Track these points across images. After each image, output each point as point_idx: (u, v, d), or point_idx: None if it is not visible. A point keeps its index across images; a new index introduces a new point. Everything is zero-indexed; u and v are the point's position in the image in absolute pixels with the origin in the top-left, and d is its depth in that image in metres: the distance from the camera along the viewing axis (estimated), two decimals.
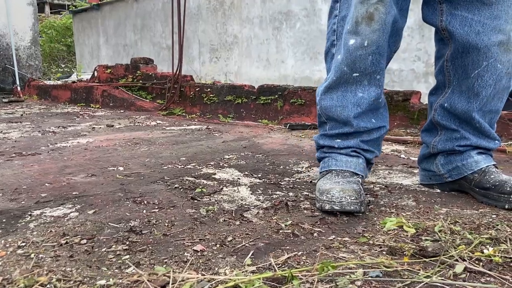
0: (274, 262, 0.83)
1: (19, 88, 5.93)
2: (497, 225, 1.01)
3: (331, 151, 1.28)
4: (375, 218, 1.08)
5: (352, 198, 1.08)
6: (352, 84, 1.22)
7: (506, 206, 1.13)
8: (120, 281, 0.76)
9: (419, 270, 0.79)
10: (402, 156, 1.88)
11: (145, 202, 1.22)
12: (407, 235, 0.96)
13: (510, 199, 1.13)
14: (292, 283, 0.74)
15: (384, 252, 0.87)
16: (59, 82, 5.93)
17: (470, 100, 1.22)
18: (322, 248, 0.89)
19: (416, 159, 1.76)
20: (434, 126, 1.34)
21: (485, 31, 1.15)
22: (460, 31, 1.18)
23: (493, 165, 1.26)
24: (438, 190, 1.33)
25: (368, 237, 0.95)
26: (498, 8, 1.14)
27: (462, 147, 1.27)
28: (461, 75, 1.23)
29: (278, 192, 1.31)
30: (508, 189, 1.14)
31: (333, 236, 0.96)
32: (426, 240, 0.92)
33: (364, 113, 1.24)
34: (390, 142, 2.23)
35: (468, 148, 1.26)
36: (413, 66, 4.94)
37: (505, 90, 1.23)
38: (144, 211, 1.15)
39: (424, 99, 2.71)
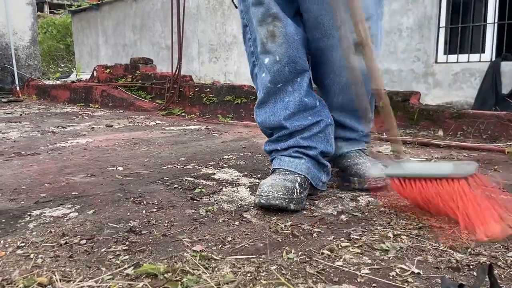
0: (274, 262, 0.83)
1: (18, 88, 5.93)
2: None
3: (276, 154, 1.34)
4: (374, 219, 1.08)
5: (280, 193, 1.12)
6: (279, 94, 1.31)
7: (351, 187, 1.33)
8: (120, 281, 0.76)
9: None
10: (401, 156, 1.88)
11: (145, 202, 1.22)
12: (404, 237, 0.96)
13: (353, 181, 1.33)
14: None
15: (385, 253, 0.88)
16: (58, 82, 5.93)
17: (332, 105, 1.41)
18: (321, 249, 0.90)
19: (416, 159, 1.77)
20: None
21: (327, 47, 1.32)
22: (311, 46, 1.36)
23: (358, 149, 1.44)
24: None
25: (366, 238, 0.95)
26: (331, 28, 1.29)
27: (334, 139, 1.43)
28: (320, 83, 1.43)
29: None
30: (352, 172, 1.34)
31: (332, 237, 0.96)
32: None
33: (296, 114, 1.30)
34: (389, 143, 2.23)
35: (337, 140, 1.43)
36: (412, 66, 4.94)
37: (366, 93, 1.38)
38: (144, 211, 1.15)
39: (424, 100, 2.71)
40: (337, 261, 0.84)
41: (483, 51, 4.56)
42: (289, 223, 1.05)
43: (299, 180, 1.20)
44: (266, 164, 1.74)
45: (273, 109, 1.32)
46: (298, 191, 1.16)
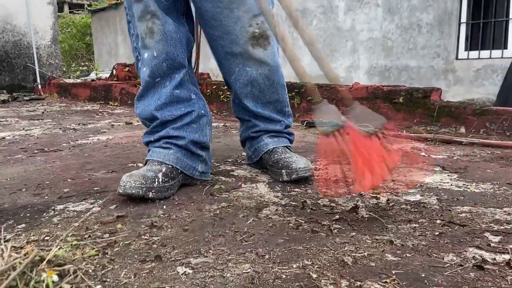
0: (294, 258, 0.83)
1: (39, 86, 6.05)
2: None
3: (151, 145, 1.39)
4: (396, 216, 1.07)
5: (137, 183, 1.17)
6: (157, 88, 1.36)
7: (280, 179, 1.38)
8: (143, 274, 0.77)
9: None
10: (423, 154, 1.86)
11: (165, 197, 1.23)
12: (427, 234, 0.95)
13: (281, 173, 1.37)
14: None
15: (407, 251, 0.87)
16: (78, 81, 6.03)
17: (244, 97, 1.47)
18: (343, 245, 0.89)
19: (437, 156, 1.74)
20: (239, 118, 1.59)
21: (227, 44, 1.38)
22: (212, 45, 1.42)
23: (284, 146, 1.49)
24: (461, 189, 1.31)
25: (389, 235, 0.94)
26: (227, 25, 1.34)
27: (255, 133, 1.52)
28: (228, 79, 1.48)
29: (296, 189, 1.31)
30: (280, 165, 1.39)
31: (354, 233, 0.96)
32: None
33: (168, 104, 1.36)
34: (410, 140, 2.20)
35: (261, 133, 1.51)
36: (432, 63, 4.86)
37: (275, 84, 1.46)
38: (164, 206, 1.16)
39: (444, 97, 2.67)
40: (360, 257, 0.84)
41: (505, 47, 4.46)
42: (309, 219, 1.05)
43: (163, 170, 1.25)
44: None
45: (149, 101, 1.37)
46: (160, 180, 1.21)
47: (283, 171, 1.37)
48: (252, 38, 1.35)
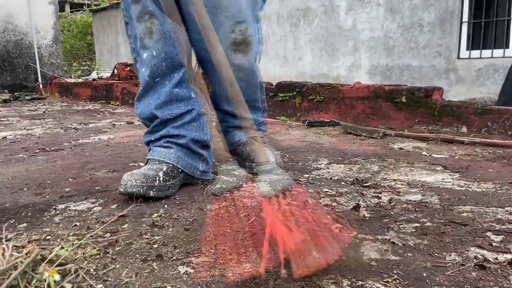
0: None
1: (41, 86, 6.06)
2: None
3: (152, 145, 1.40)
4: (397, 215, 1.07)
5: (138, 182, 1.17)
6: (156, 87, 1.37)
7: (249, 171, 1.43)
8: (144, 273, 0.77)
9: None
10: (424, 153, 1.85)
11: (166, 197, 1.23)
12: (429, 233, 0.95)
13: (251, 166, 1.43)
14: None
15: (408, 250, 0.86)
16: (79, 80, 6.03)
17: (223, 99, 1.51)
18: (345, 244, 0.89)
19: (439, 156, 1.74)
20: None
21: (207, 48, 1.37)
22: (196, 47, 1.43)
23: (252, 137, 1.50)
24: (463, 188, 1.31)
25: (390, 234, 0.94)
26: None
27: (229, 128, 1.57)
28: (210, 81, 1.51)
29: (297, 188, 1.31)
30: (250, 159, 1.44)
31: (355, 233, 0.96)
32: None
33: (167, 103, 1.36)
34: (411, 139, 2.20)
35: (234, 128, 1.55)
36: (433, 62, 4.85)
37: (251, 86, 1.51)
38: (166, 206, 1.16)
39: (446, 96, 2.66)
40: (362, 257, 0.83)
41: (507, 46, 4.45)
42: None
43: (164, 169, 1.26)
44: (286, 160, 1.73)
45: (148, 101, 1.38)
46: (161, 179, 1.22)
47: (247, 163, 1.46)
48: (233, 44, 1.37)
